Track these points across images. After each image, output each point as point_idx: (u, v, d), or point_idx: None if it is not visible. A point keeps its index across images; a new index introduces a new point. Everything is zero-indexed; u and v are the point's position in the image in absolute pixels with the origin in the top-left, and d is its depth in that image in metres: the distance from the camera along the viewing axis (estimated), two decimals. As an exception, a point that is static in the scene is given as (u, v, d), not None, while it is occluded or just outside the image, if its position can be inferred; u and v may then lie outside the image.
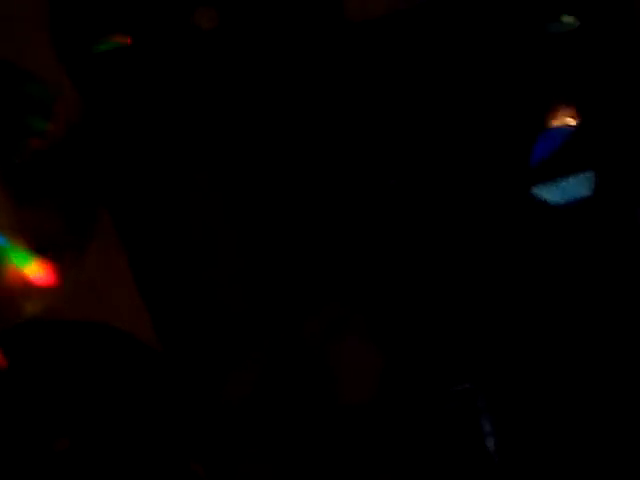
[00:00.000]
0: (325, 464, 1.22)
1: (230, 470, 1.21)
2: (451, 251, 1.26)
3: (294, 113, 1.26)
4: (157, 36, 1.22)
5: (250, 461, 1.22)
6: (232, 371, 1.24)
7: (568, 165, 1.25)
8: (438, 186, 1.26)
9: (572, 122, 1.24)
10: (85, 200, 1.22)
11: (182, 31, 1.23)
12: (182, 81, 1.24)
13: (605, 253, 1.25)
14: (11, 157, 1.19)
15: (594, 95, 1.25)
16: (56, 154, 1.20)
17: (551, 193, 1.24)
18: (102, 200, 1.23)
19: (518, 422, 1.23)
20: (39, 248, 1.20)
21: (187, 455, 1.18)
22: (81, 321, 1.20)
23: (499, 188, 1.26)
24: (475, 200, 1.25)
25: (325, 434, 1.23)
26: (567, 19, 1.24)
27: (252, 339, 1.25)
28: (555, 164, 1.24)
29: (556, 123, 1.24)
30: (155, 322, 1.22)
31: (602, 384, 1.23)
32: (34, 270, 1.20)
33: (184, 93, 1.24)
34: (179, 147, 1.25)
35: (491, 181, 1.25)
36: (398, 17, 1.25)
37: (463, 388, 1.24)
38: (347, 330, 1.25)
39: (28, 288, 1.19)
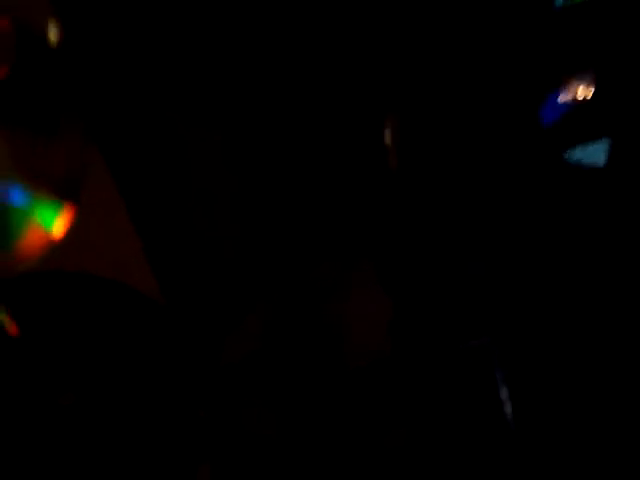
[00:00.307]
0: (333, 421, 1.20)
1: (235, 423, 1.19)
2: (465, 202, 1.23)
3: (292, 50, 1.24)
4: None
5: (254, 416, 1.20)
6: (236, 324, 1.21)
7: (582, 132, 1.22)
8: (448, 133, 1.23)
9: (585, 92, 1.22)
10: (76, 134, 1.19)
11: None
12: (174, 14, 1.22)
13: (620, 215, 1.22)
14: None
15: (606, 64, 1.22)
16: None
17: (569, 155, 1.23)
18: (97, 143, 1.21)
19: (535, 380, 1.20)
20: (60, 192, 1.16)
21: (193, 406, 1.16)
22: (84, 273, 1.17)
23: (511, 141, 1.23)
24: (486, 148, 1.23)
25: (334, 390, 1.20)
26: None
27: (257, 290, 1.22)
28: (569, 130, 1.22)
29: (569, 92, 1.22)
30: (157, 274, 1.20)
31: (624, 347, 1.20)
32: (59, 224, 1.17)
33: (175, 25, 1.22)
34: (176, 92, 1.23)
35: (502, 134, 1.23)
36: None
37: (480, 342, 1.21)
38: (354, 279, 1.23)
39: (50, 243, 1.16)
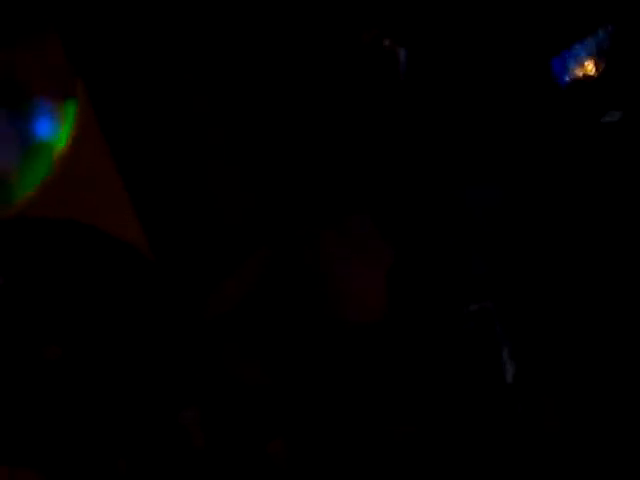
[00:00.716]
0: (327, 372, 1.17)
1: (226, 370, 1.16)
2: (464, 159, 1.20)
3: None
4: None
5: (246, 364, 1.16)
6: (225, 278, 1.18)
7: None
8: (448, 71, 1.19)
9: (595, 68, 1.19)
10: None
11: None
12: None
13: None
14: None
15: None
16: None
17: None
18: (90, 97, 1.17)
19: (535, 342, 1.17)
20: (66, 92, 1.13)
21: (182, 356, 1.13)
22: (72, 222, 1.13)
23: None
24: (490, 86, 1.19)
25: (327, 350, 1.17)
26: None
27: (249, 243, 1.19)
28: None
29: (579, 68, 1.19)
30: (146, 227, 1.17)
31: (623, 308, 1.17)
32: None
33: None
34: (171, 43, 1.19)
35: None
36: None
37: (481, 307, 1.18)
38: (353, 235, 1.19)
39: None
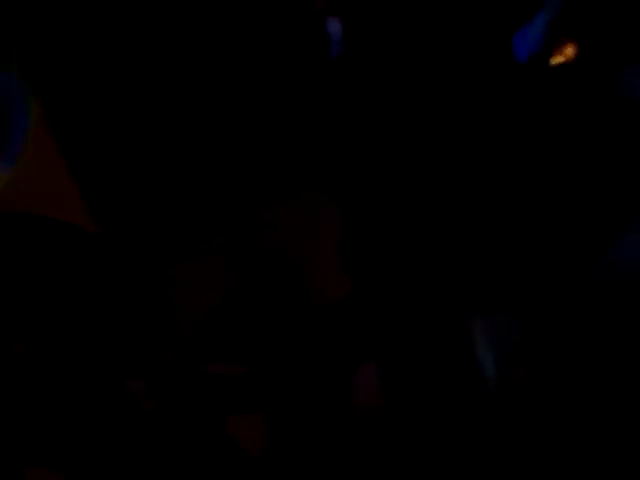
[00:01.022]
0: (294, 358, 1.19)
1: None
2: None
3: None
4: None
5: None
6: (180, 262, 1.19)
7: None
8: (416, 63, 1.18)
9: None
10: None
11: None
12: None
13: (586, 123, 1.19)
14: None
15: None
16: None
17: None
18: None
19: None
20: None
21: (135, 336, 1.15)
22: (22, 213, 1.14)
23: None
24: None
25: (294, 325, 1.19)
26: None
27: (213, 222, 1.19)
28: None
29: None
30: (94, 210, 1.16)
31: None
32: None
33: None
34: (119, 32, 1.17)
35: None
36: None
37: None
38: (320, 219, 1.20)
39: None
